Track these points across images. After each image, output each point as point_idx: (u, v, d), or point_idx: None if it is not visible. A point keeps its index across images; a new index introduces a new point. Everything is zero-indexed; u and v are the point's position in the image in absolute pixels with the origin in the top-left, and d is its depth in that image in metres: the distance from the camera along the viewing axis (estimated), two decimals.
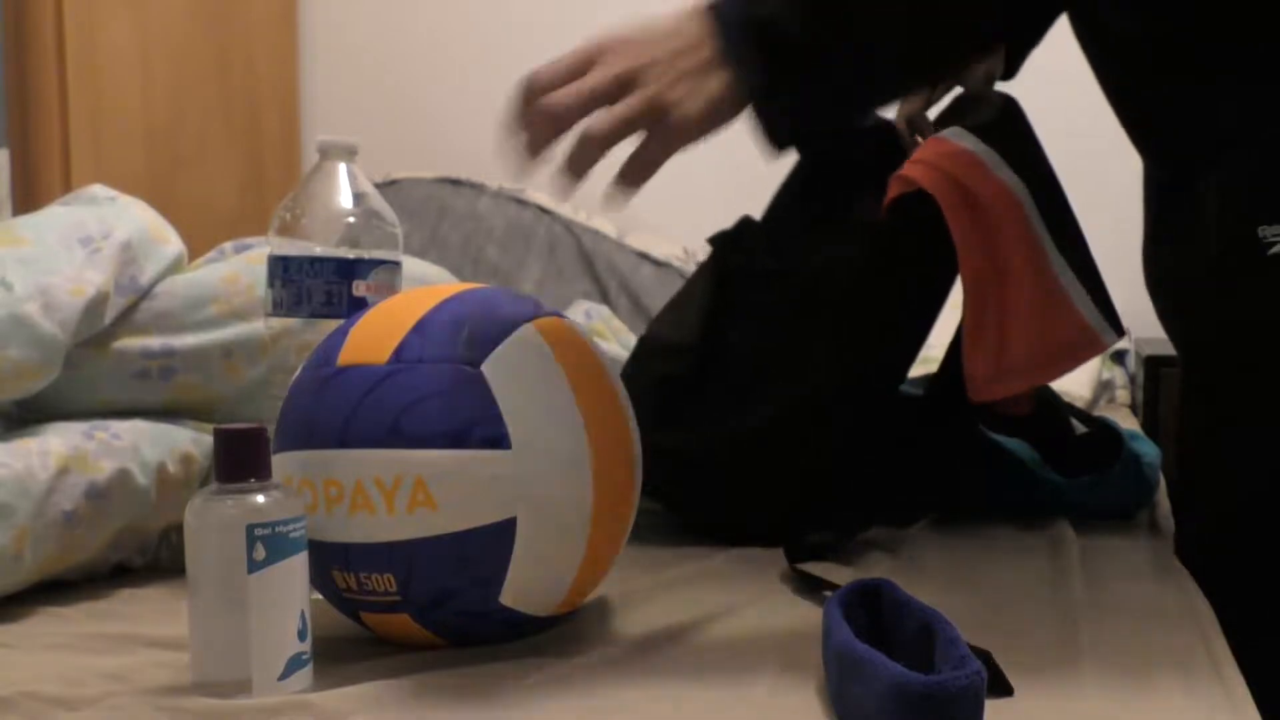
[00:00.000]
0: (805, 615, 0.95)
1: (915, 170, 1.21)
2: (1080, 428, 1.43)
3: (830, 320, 1.23)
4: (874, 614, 0.82)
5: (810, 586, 1.01)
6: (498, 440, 0.82)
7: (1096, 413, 1.63)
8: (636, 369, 1.30)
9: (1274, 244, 1.00)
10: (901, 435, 1.28)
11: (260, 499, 0.76)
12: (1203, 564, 1.09)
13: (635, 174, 0.90)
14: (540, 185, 2.67)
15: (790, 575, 1.06)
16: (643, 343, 1.32)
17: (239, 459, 0.76)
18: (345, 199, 1.02)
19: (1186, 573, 1.08)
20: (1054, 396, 1.47)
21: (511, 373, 0.84)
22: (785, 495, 1.20)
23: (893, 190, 1.23)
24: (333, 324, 0.92)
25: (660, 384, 1.25)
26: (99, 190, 1.19)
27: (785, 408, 1.21)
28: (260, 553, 0.75)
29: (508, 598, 0.84)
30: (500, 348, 0.84)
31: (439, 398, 0.82)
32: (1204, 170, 1.06)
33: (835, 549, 1.14)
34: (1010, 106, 1.25)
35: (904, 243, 1.24)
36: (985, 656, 0.78)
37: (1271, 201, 1.00)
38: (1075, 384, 2.02)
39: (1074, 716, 0.76)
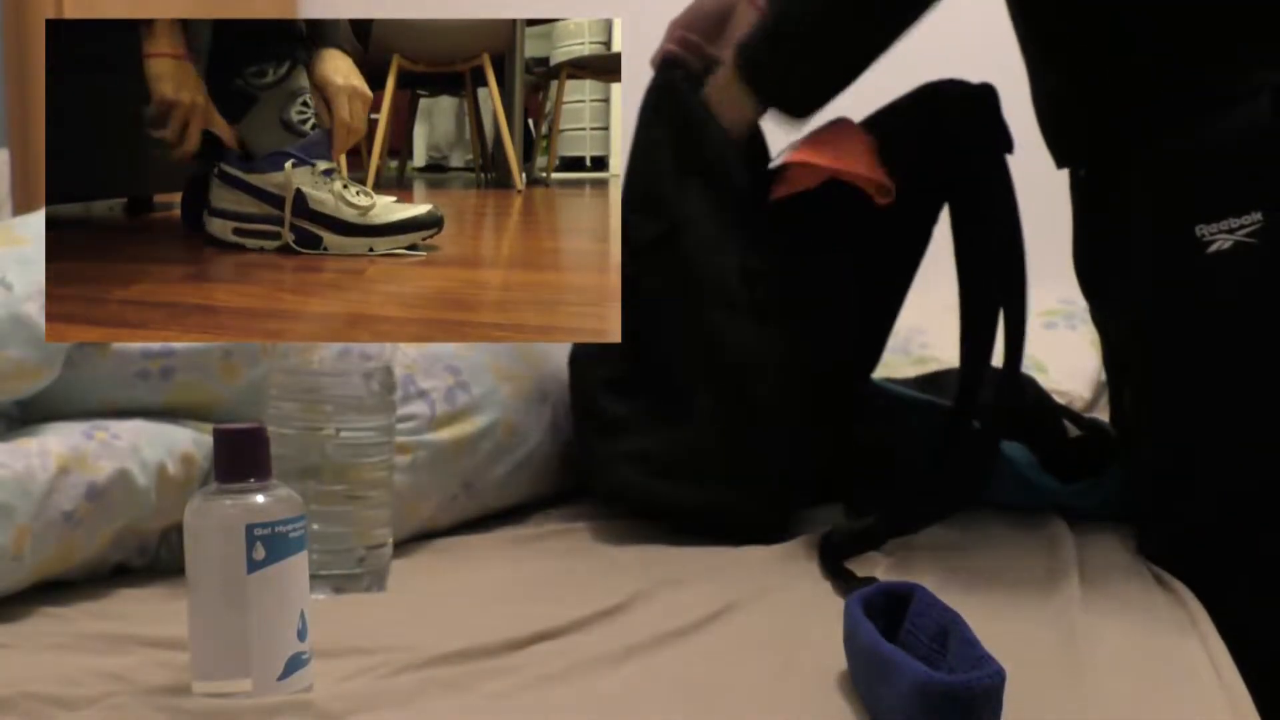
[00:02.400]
0: (807, 612, 0.95)
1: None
2: (1074, 430, 1.43)
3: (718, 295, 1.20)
4: (891, 614, 0.82)
5: (845, 582, 1.02)
6: None
7: (1096, 413, 1.63)
8: (576, 384, 1.30)
9: (1213, 242, 1.01)
10: (928, 449, 1.26)
11: (260, 499, 0.76)
12: (1183, 562, 1.08)
13: None
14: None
15: (823, 572, 1.07)
16: (573, 361, 1.32)
17: (239, 459, 0.76)
18: None
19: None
20: (1048, 400, 1.47)
21: None
22: (762, 485, 1.20)
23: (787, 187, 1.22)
24: None
25: (601, 389, 1.25)
26: None
27: (714, 397, 1.19)
28: (260, 552, 0.75)
29: None
30: None
31: None
32: (1127, 173, 1.08)
33: (874, 541, 1.14)
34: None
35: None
36: None
37: (1206, 201, 1.02)
38: (1075, 384, 2.01)
39: (1074, 716, 0.76)
